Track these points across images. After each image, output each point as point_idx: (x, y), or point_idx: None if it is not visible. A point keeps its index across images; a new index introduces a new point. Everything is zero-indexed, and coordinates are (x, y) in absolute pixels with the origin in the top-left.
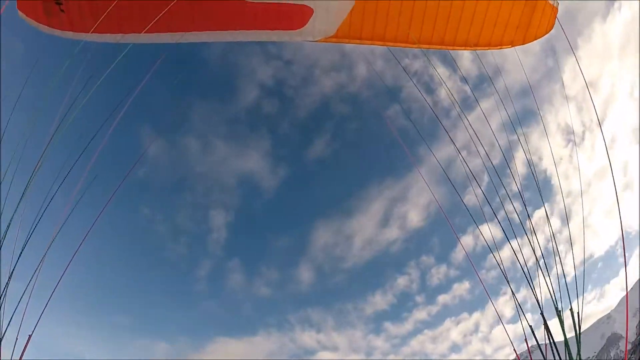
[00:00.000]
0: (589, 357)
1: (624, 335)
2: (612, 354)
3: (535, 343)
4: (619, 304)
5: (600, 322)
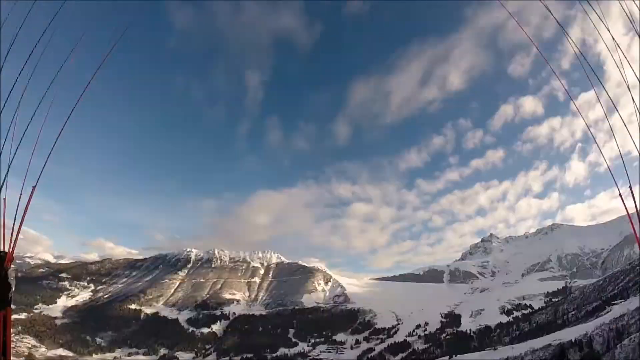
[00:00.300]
0: (602, 249)
1: None
2: (624, 253)
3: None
4: None
5: (623, 219)
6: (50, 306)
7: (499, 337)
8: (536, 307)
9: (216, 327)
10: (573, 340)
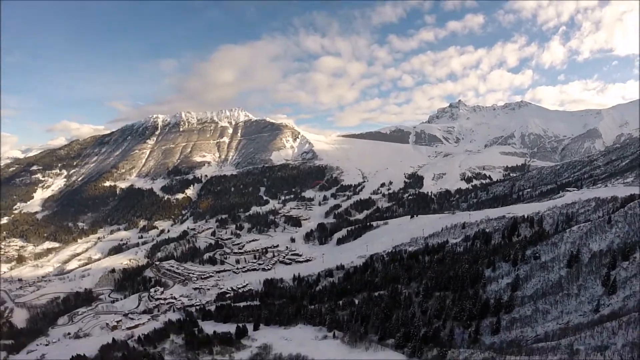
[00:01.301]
0: (565, 136)
1: None
2: (585, 145)
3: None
4: None
5: (589, 112)
6: (29, 202)
7: (457, 202)
8: (495, 179)
9: (190, 192)
10: (525, 216)
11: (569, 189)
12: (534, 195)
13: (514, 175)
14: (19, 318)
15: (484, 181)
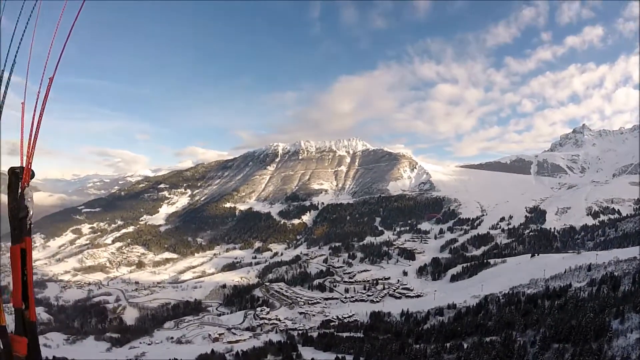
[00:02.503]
0: None
1: None
2: None
3: None
4: None
5: None
6: (154, 216)
7: (582, 240)
8: (624, 213)
9: (306, 218)
10: None
11: None
12: None
13: None
14: (130, 316)
15: (612, 216)
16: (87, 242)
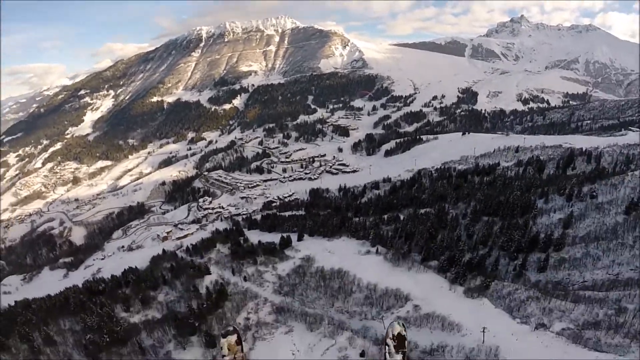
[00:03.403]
0: (632, 70)
1: None
2: None
3: None
4: None
5: None
6: (79, 126)
7: (511, 123)
8: (553, 104)
9: (237, 102)
10: (583, 149)
11: (632, 128)
12: (593, 128)
13: (574, 103)
14: (77, 235)
15: (541, 105)
16: (17, 172)
